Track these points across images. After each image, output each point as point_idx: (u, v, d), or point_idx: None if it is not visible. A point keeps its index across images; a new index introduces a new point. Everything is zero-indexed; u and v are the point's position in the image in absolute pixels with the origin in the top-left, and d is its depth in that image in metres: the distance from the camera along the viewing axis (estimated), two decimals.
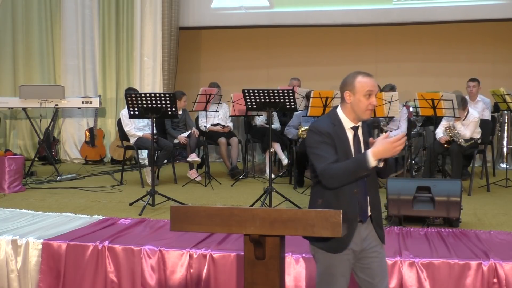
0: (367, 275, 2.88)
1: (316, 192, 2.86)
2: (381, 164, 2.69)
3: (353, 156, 2.77)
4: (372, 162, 2.62)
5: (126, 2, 9.51)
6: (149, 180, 6.71)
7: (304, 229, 2.20)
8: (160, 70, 9.31)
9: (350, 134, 2.81)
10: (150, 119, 5.96)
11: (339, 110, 2.84)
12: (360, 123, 2.84)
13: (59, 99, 8.36)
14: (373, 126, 2.85)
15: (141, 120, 7.04)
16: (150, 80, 9.40)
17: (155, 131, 7.08)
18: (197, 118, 8.12)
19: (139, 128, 7.15)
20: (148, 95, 5.77)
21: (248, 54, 9.88)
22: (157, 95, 5.78)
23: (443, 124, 6.69)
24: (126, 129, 7.09)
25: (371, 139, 2.74)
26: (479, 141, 6.70)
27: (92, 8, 9.66)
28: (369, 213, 2.84)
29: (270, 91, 5.81)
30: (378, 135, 2.82)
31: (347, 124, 2.81)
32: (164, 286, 4.11)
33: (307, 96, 6.92)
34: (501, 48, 9.13)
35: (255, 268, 2.31)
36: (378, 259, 2.88)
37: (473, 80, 7.64)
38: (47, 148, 8.59)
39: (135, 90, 7.56)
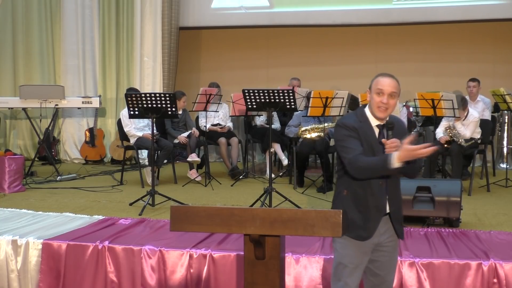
0: (375, 267, 2.99)
1: (342, 183, 2.98)
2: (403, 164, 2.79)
3: (378, 152, 2.88)
4: (395, 164, 2.72)
5: (126, 2, 9.51)
6: (149, 180, 6.71)
7: (304, 229, 2.20)
8: (160, 70, 9.31)
9: (376, 131, 2.92)
10: (150, 119, 5.97)
11: (366, 109, 2.98)
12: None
13: (59, 99, 8.37)
14: (388, 128, 2.90)
15: (141, 120, 7.04)
16: (150, 80, 9.40)
17: (156, 131, 7.11)
18: (197, 118, 8.12)
19: (139, 128, 7.15)
20: (148, 95, 5.77)
21: (248, 54, 9.88)
22: (157, 95, 5.78)
23: (443, 124, 6.69)
24: (126, 129, 7.10)
25: (383, 140, 2.86)
26: (479, 141, 6.69)
27: (92, 8, 9.66)
28: (388, 210, 2.93)
29: (270, 91, 5.81)
30: (392, 136, 2.89)
31: (373, 121, 2.93)
32: (164, 286, 4.11)
33: (308, 97, 6.92)
34: (501, 48, 9.13)
35: (255, 268, 2.31)
36: (389, 254, 2.98)
37: (473, 80, 7.63)
38: (47, 148, 8.59)
39: (136, 90, 7.55)
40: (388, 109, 2.88)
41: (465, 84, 7.87)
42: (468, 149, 6.51)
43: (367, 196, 2.89)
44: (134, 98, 5.78)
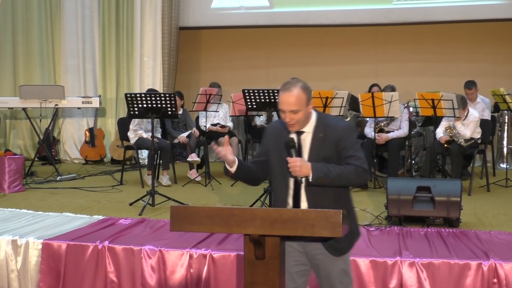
0: (319, 282, 2.93)
1: None
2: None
3: (284, 162, 2.76)
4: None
5: (126, 2, 9.51)
6: (149, 183, 6.70)
7: (304, 229, 2.20)
8: (160, 70, 9.31)
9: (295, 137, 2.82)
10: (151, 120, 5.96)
11: None
12: (305, 130, 2.80)
13: (59, 99, 8.36)
14: (289, 146, 2.80)
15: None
16: (150, 80, 9.40)
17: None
18: (197, 118, 8.12)
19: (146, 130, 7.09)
20: (148, 95, 5.78)
21: (248, 54, 9.88)
22: (157, 95, 5.79)
23: (443, 124, 6.69)
24: (132, 126, 7.01)
25: (288, 157, 2.72)
26: (479, 141, 6.69)
27: (92, 8, 9.66)
28: None
29: (270, 91, 5.81)
30: (295, 155, 2.74)
31: None
32: (164, 286, 4.11)
33: None
34: (501, 48, 9.13)
35: (255, 268, 2.31)
36: (320, 271, 2.86)
37: (469, 87, 7.38)
38: (47, 148, 8.59)
39: (155, 90, 7.48)
40: (296, 124, 2.75)
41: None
42: (468, 149, 6.51)
43: (274, 198, 2.95)
44: (134, 98, 5.78)
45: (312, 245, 2.82)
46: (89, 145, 9.38)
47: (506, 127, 8.24)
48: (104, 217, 5.14)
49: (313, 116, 2.82)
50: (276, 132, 2.88)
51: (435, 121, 6.82)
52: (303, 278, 2.91)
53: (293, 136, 2.78)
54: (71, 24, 9.62)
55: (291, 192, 2.82)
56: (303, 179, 2.73)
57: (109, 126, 9.63)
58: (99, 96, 8.88)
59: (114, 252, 4.21)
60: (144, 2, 9.39)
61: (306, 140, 2.81)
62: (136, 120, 6.94)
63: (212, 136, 7.71)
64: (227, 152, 2.79)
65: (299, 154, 2.78)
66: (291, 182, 2.81)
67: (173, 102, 5.83)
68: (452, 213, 4.68)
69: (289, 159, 2.71)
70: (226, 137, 2.83)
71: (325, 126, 2.79)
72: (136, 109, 5.84)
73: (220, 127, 7.84)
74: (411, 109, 7.69)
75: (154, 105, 5.76)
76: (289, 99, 2.70)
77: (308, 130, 2.80)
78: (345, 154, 2.75)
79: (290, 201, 2.83)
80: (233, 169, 2.83)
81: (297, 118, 2.73)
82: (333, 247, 2.81)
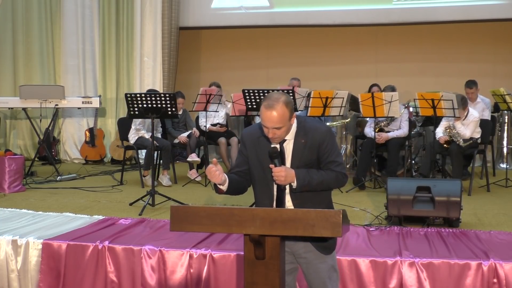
0: (307, 282, 2.96)
1: None
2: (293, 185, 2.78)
3: (266, 169, 2.82)
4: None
5: (126, 2, 9.51)
6: (149, 183, 6.70)
7: (304, 229, 2.20)
8: (160, 70, 9.32)
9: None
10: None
11: None
12: (286, 138, 2.82)
13: (59, 99, 8.36)
14: (272, 156, 2.80)
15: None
16: (150, 80, 9.41)
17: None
18: (197, 118, 8.12)
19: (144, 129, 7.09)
20: (148, 95, 5.78)
21: (248, 54, 9.88)
22: (157, 95, 5.79)
23: (443, 124, 6.69)
24: (135, 126, 7.02)
25: (271, 165, 2.76)
26: (478, 141, 6.69)
27: (92, 8, 9.67)
28: None
29: (270, 91, 5.80)
30: (279, 163, 2.76)
31: None
32: (164, 286, 4.11)
33: (309, 95, 6.91)
34: (501, 48, 9.13)
35: (255, 268, 2.31)
36: (311, 266, 2.89)
37: (470, 87, 7.38)
38: (47, 148, 8.59)
39: (155, 91, 7.49)
40: (278, 138, 2.77)
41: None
42: (467, 149, 6.51)
43: (265, 203, 2.91)
44: (134, 98, 5.79)
45: (298, 245, 2.87)
46: (89, 145, 9.38)
47: (506, 127, 8.24)
48: (104, 217, 5.14)
49: (294, 123, 2.84)
50: (254, 139, 2.89)
51: (435, 121, 6.82)
52: (291, 276, 2.97)
53: (276, 145, 2.81)
54: (71, 24, 9.63)
55: (275, 197, 2.87)
56: (287, 186, 2.80)
57: (109, 126, 9.64)
58: (99, 96, 8.88)
59: (114, 252, 4.21)
60: (144, 2, 9.39)
61: (288, 147, 2.85)
62: (139, 119, 6.95)
63: (212, 136, 7.72)
64: (219, 172, 2.77)
65: (281, 161, 2.81)
66: (274, 187, 2.85)
67: (173, 102, 5.84)
68: (452, 213, 4.68)
69: (273, 168, 2.74)
70: (214, 160, 2.80)
71: (306, 131, 2.83)
72: (136, 109, 5.84)
73: (220, 127, 7.84)
74: (411, 109, 7.69)
75: (154, 105, 5.76)
76: (272, 117, 2.71)
77: (290, 137, 2.83)
78: (326, 159, 2.83)
79: (275, 206, 2.87)
80: (224, 187, 2.85)
81: (279, 133, 2.76)
82: (323, 246, 2.86)
